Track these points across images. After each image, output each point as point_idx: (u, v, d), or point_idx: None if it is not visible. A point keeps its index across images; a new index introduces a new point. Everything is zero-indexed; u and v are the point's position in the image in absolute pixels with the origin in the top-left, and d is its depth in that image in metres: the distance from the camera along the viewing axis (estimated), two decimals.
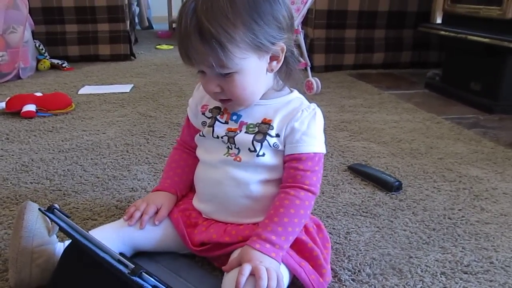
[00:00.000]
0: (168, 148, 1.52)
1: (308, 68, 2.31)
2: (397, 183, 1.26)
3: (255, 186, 0.86)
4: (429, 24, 2.53)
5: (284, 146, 0.85)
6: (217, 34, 0.72)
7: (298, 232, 0.83)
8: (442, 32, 2.37)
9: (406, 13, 2.92)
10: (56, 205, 0.80)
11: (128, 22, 3.10)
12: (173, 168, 0.99)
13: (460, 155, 1.54)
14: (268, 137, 0.84)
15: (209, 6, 0.73)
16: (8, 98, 1.91)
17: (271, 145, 0.84)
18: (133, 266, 0.62)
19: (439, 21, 2.49)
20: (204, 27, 0.72)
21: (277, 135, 0.84)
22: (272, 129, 0.84)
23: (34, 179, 1.29)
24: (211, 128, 0.88)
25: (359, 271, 0.91)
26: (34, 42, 2.75)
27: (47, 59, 2.80)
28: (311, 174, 0.84)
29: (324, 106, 2.09)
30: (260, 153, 0.84)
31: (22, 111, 1.82)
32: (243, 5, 0.74)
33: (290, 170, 0.84)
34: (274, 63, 0.82)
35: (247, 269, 0.73)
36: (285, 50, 0.82)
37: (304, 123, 0.83)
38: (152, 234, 0.90)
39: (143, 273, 0.61)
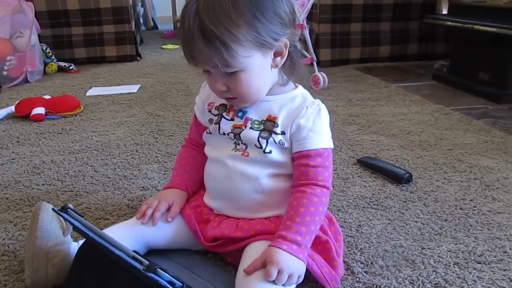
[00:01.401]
0: (177, 147, 1.52)
1: (314, 63, 2.30)
2: (407, 175, 1.25)
3: (265, 180, 0.86)
4: (435, 15, 2.52)
5: (291, 144, 0.85)
6: (221, 35, 0.72)
7: (318, 229, 0.83)
8: (448, 23, 2.35)
9: (411, 4, 2.90)
10: (70, 205, 0.81)
11: (133, 23, 3.11)
12: (182, 166, 1.00)
13: (470, 146, 1.53)
14: (273, 135, 0.84)
15: (211, 7, 0.73)
16: (17, 102, 1.93)
17: (277, 142, 0.84)
18: (148, 262, 0.63)
19: (444, 11, 2.48)
20: (207, 28, 0.72)
21: (283, 133, 0.84)
22: (277, 126, 0.84)
23: (45, 180, 1.30)
24: (217, 125, 0.88)
25: (371, 263, 0.91)
26: (41, 45, 2.77)
27: (54, 62, 2.82)
28: (323, 169, 0.84)
29: (332, 100, 2.09)
30: (267, 150, 0.84)
31: (32, 114, 1.84)
32: (244, 4, 0.74)
33: (301, 168, 0.84)
34: (278, 58, 0.82)
35: (274, 273, 0.73)
36: (288, 46, 0.82)
37: (310, 119, 0.83)
38: (165, 231, 0.91)
39: (158, 269, 0.62)
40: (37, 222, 0.81)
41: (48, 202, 1.14)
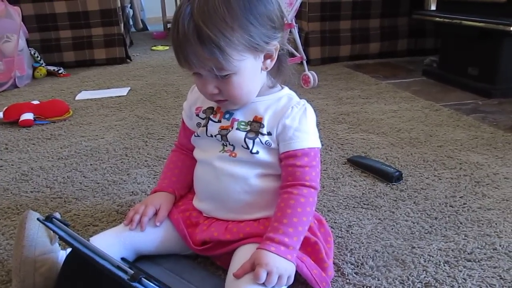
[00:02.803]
0: (167, 150, 1.51)
1: (304, 62, 2.30)
2: (397, 173, 1.25)
3: (253, 181, 0.86)
4: (423, 11, 2.52)
5: (278, 145, 0.85)
6: (216, 39, 0.73)
7: (307, 230, 0.83)
8: (437, 19, 2.36)
9: (400, 0, 2.90)
10: (57, 214, 0.80)
11: (122, 25, 3.09)
12: (170, 169, 1.00)
13: (460, 142, 1.53)
14: (260, 135, 0.84)
15: (206, 10, 0.73)
16: (5, 107, 1.91)
17: (263, 142, 0.84)
18: (133, 272, 0.62)
19: (433, 7, 2.48)
20: (203, 32, 0.72)
21: (269, 133, 0.84)
22: (263, 127, 0.84)
23: (34, 187, 1.29)
24: (205, 128, 0.88)
25: (362, 264, 0.90)
26: (29, 50, 2.75)
27: (43, 67, 2.80)
28: (310, 169, 0.84)
29: (322, 99, 2.09)
30: (254, 151, 0.84)
31: (20, 120, 1.82)
32: (239, 7, 0.74)
33: (288, 168, 0.84)
34: (268, 61, 0.83)
35: (263, 275, 0.73)
36: (278, 49, 0.83)
37: (296, 119, 0.84)
38: (153, 236, 0.90)
39: (142, 278, 0.61)
40: (24, 231, 0.80)
41: (37, 210, 1.14)
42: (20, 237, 0.80)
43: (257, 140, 0.84)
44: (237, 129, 0.85)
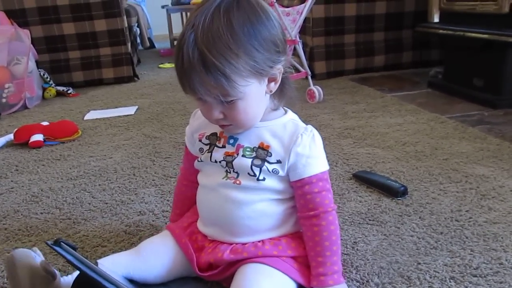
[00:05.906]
0: (174, 169, 1.53)
1: (309, 77, 2.32)
2: (402, 188, 1.26)
3: (258, 206, 0.86)
4: (427, 24, 2.54)
5: (289, 173, 0.85)
6: (222, 66, 0.72)
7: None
8: (440, 31, 2.37)
9: (404, 13, 2.92)
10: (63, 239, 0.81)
11: (129, 44, 3.15)
12: (181, 200, 1.05)
13: (465, 154, 1.53)
14: (266, 163, 0.84)
15: (210, 37, 0.72)
16: (16, 129, 1.95)
17: (270, 170, 0.84)
18: None
19: (436, 20, 2.50)
20: (208, 60, 0.72)
21: (278, 161, 0.84)
22: (271, 156, 0.84)
23: (44, 209, 1.31)
24: (210, 154, 0.88)
25: (367, 281, 0.91)
26: (39, 71, 2.80)
27: (53, 87, 2.85)
28: (326, 193, 0.85)
29: (327, 113, 2.10)
30: (260, 178, 0.84)
31: (30, 141, 1.86)
32: (243, 33, 0.74)
33: (306, 196, 0.85)
34: (272, 84, 0.83)
35: None
36: (282, 71, 0.82)
37: (306, 147, 0.84)
38: (163, 263, 0.90)
39: None
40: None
41: (46, 231, 1.17)
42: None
43: (264, 168, 0.84)
44: (243, 155, 0.85)
